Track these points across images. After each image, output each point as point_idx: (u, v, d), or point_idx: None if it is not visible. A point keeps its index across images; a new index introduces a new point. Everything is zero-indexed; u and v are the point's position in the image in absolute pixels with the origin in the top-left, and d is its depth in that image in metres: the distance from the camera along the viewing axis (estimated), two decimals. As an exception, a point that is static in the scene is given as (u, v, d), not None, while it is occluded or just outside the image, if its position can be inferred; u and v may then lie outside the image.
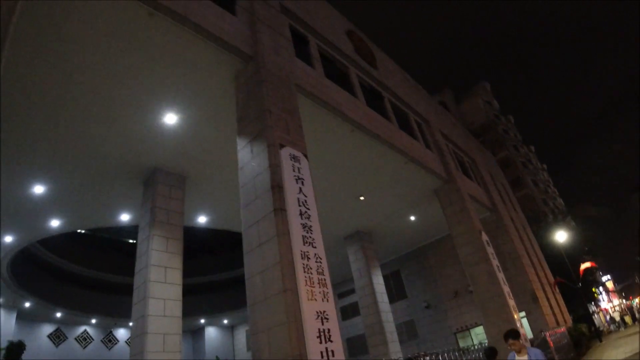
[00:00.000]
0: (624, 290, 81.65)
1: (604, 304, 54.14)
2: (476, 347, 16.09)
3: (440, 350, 13.81)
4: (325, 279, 7.27)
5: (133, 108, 11.52)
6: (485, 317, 16.70)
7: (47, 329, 30.97)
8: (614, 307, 55.49)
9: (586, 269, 28.38)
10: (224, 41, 9.91)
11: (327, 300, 7.03)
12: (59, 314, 29.88)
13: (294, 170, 8.29)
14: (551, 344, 16.35)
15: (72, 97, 10.74)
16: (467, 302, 23.73)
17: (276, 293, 6.86)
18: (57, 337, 31.22)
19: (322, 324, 6.66)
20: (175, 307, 12.39)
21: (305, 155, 8.99)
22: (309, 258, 7.24)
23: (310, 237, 7.56)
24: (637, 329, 24.75)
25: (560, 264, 26.27)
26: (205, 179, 15.16)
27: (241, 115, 9.87)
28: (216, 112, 11.85)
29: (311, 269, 7.14)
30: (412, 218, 21.66)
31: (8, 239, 18.61)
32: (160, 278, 12.49)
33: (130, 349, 12.15)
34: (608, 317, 43.24)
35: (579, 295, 26.38)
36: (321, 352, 6.36)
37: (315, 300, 6.83)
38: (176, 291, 12.66)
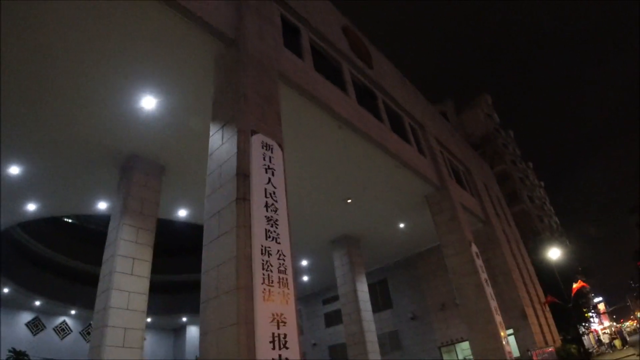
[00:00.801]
0: (616, 312, 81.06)
1: (595, 325, 53.50)
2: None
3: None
4: (287, 279, 6.57)
5: (110, 89, 10.99)
6: (470, 331, 16.01)
7: (26, 317, 30.46)
8: (604, 328, 54.84)
9: (579, 289, 27.68)
10: (205, 22, 9.31)
11: (287, 303, 6.33)
12: (38, 303, 29.34)
13: (264, 159, 7.61)
14: None
15: (47, 77, 10.30)
16: (454, 315, 22.99)
17: (229, 290, 6.17)
18: (35, 326, 30.69)
19: (278, 327, 5.96)
20: (140, 301, 11.74)
21: (280, 146, 8.31)
22: (270, 254, 6.55)
23: (274, 231, 6.87)
24: (627, 353, 24.00)
25: (553, 282, 25.56)
26: (185, 170, 14.51)
27: (217, 99, 9.23)
28: (197, 99, 11.23)
29: (272, 266, 6.44)
30: (402, 225, 20.97)
31: (-18, 219, 17.99)
32: (127, 270, 11.88)
33: (90, 342, 11.48)
34: (597, 339, 42.59)
35: (570, 315, 25.70)
36: (273, 359, 5.66)
37: (273, 301, 6.13)
38: (143, 284, 12.02)
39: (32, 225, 25.62)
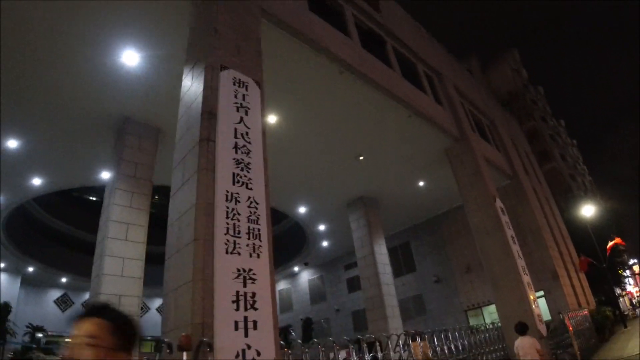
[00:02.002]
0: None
1: (630, 287, 51.41)
2: (488, 326, 14.25)
3: (443, 329, 12.02)
4: (260, 230, 5.58)
5: (89, 45, 10.17)
6: (495, 293, 14.81)
7: (55, 294, 30.90)
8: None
9: (614, 248, 26.04)
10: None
11: (259, 257, 5.36)
12: (64, 279, 29.70)
13: (236, 97, 6.55)
14: (570, 328, 14.38)
15: (27, 42, 9.73)
16: (480, 278, 21.81)
17: (187, 243, 5.23)
18: (64, 303, 31.29)
19: (245, 285, 5.00)
20: (136, 267, 11.12)
21: (259, 84, 7.20)
22: (238, 201, 5.55)
23: (245, 175, 5.85)
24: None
25: (586, 242, 24.07)
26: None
27: (191, 41, 8.20)
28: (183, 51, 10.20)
29: (239, 214, 5.45)
30: (421, 184, 19.68)
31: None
32: (121, 235, 11.25)
33: (84, 311, 10.90)
34: (634, 301, 40.75)
35: (605, 276, 24.23)
36: (236, 322, 4.72)
37: (239, 254, 5.16)
38: (138, 250, 11.41)
39: (52, 202, 25.68)
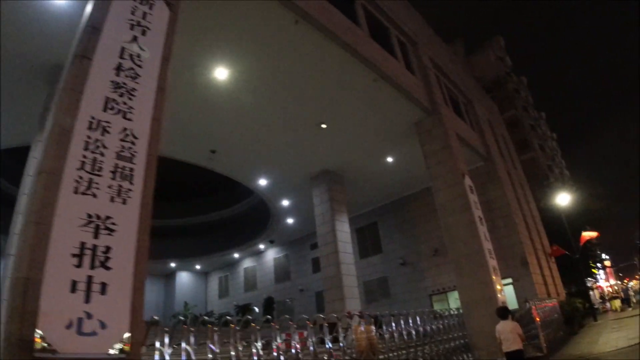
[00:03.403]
0: (621, 271, 79.09)
1: (601, 282, 51.60)
2: (452, 311, 13.28)
3: (405, 312, 10.98)
4: (133, 170, 4.36)
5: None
6: (458, 278, 13.83)
7: None
8: (610, 286, 52.95)
9: (587, 240, 25.40)
10: None
11: (124, 203, 4.14)
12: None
13: (133, 13, 5.26)
14: (537, 319, 13.41)
15: None
16: (447, 262, 20.82)
17: (33, 176, 4.00)
18: None
19: (96, 236, 3.80)
20: None
21: (169, 5, 5.90)
22: (107, 131, 4.31)
23: (125, 103, 4.60)
24: (636, 311, 21.91)
25: (560, 232, 23.37)
26: None
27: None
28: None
29: (104, 148, 4.22)
30: (390, 160, 18.56)
31: None
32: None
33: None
34: (601, 296, 40.69)
35: (576, 267, 23.62)
36: (74, 282, 3.52)
37: (94, 196, 3.94)
38: None
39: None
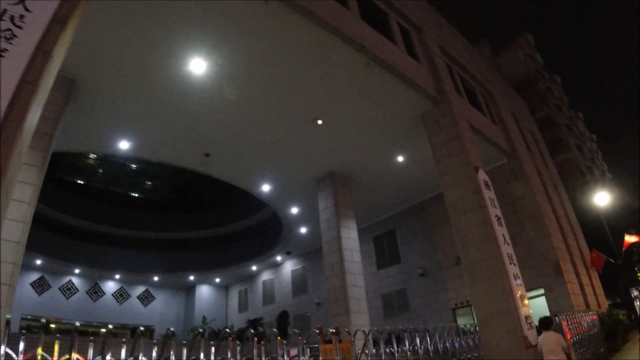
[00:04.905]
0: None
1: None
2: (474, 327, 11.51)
3: (422, 327, 9.44)
4: None
5: None
6: (471, 286, 11.99)
7: (32, 276, 29.46)
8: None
9: (632, 244, 22.84)
10: None
11: None
12: (39, 262, 28.12)
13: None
14: (568, 335, 11.27)
15: None
16: (470, 271, 19.00)
17: None
18: (40, 286, 29.95)
19: None
20: (17, 230, 8.88)
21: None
22: None
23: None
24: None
25: (599, 235, 20.99)
26: (108, 86, 11.46)
27: None
28: None
29: None
30: (400, 159, 16.91)
31: None
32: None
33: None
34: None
35: (619, 274, 21.16)
36: None
37: None
38: (22, 211, 9.23)
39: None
